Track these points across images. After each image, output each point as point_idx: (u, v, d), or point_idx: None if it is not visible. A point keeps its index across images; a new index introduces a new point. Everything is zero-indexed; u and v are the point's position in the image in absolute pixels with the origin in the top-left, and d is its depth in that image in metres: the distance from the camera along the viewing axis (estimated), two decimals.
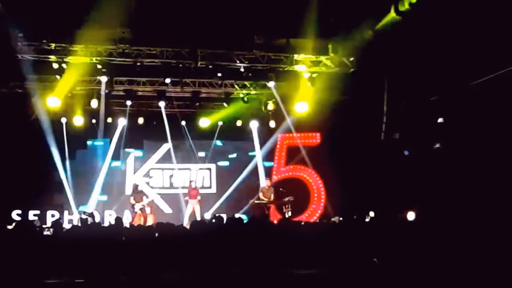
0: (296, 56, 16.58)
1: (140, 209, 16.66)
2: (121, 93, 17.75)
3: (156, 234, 8.43)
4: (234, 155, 20.29)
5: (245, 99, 18.37)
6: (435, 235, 7.99)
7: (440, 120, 15.36)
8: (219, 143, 20.27)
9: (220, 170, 20.09)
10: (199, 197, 17.67)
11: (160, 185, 19.49)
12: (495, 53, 12.25)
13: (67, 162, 18.34)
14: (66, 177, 18.07)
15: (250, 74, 16.68)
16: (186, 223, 15.61)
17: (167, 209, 18.99)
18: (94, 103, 17.17)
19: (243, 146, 20.25)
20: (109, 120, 18.52)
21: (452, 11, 12.42)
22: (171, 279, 6.47)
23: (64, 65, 15.53)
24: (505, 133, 12.67)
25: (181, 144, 19.75)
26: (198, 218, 16.28)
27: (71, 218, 17.29)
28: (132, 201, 16.82)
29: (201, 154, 20.03)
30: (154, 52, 15.93)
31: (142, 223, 15.74)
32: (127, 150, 19.25)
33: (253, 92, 18.54)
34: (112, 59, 15.68)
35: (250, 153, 20.03)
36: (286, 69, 16.88)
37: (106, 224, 15.60)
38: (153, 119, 18.98)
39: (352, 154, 17.54)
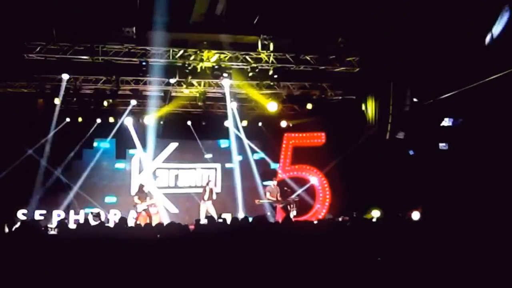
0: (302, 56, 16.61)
1: (144, 210, 16.68)
2: (127, 92, 17.76)
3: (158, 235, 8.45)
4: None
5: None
6: (440, 235, 7.98)
7: (445, 123, 15.36)
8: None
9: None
10: (213, 197, 17.64)
11: (165, 185, 19.50)
12: (500, 54, 12.22)
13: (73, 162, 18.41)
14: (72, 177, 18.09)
15: (256, 74, 16.63)
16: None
17: (173, 209, 18.98)
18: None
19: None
20: (111, 119, 18.53)
21: (456, 12, 12.40)
22: (175, 279, 6.47)
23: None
24: (510, 133, 12.65)
25: (188, 144, 19.75)
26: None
27: (77, 218, 17.30)
28: (137, 201, 16.85)
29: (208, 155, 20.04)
30: (160, 52, 15.98)
31: (148, 222, 15.73)
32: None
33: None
34: (118, 58, 15.71)
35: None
36: (292, 69, 16.85)
37: (111, 224, 15.60)
38: (159, 118, 18.93)
39: (357, 154, 17.54)
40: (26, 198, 16.70)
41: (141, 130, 18.86)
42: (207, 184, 17.92)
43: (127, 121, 18.65)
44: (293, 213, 16.87)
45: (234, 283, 6.43)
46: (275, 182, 18.06)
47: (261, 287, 6.46)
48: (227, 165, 20.03)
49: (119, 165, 19.23)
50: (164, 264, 6.75)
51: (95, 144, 18.90)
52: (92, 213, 16.14)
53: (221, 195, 19.49)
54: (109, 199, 18.55)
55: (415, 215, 13.61)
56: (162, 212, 17.81)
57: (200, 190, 18.10)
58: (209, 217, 11.56)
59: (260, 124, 19.89)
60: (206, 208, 17.36)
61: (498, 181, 12.72)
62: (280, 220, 13.52)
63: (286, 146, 19.88)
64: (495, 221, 8.53)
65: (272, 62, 16.50)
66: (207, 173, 19.79)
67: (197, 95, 18.31)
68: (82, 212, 17.57)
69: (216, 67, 16.22)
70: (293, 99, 18.74)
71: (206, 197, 17.48)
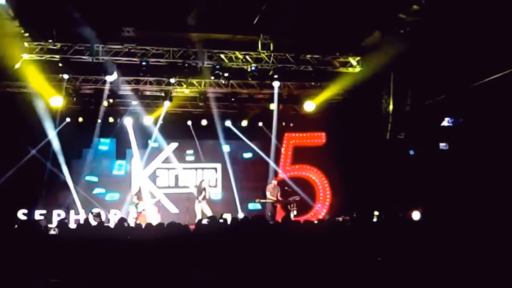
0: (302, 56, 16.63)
1: (144, 209, 16.66)
2: (127, 92, 17.75)
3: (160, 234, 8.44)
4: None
5: None
6: (440, 235, 7.98)
7: (445, 123, 15.37)
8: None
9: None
10: (207, 197, 17.63)
11: (166, 185, 19.49)
12: (500, 53, 12.22)
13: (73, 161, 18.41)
14: (73, 177, 18.07)
15: (256, 74, 16.65)
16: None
17: (173, 208, 18.96)
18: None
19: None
20: (111, 119, 18.51)
21: (457, 12, 12.40)
22: (175, 279, 6.47)
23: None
24: (510, 133, 12.65)
25: (188, 144, 19.74)
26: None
27: (77, 218, 17.29)
28: (136, 200, 16.83)
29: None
30: (160, 52, 16.00)
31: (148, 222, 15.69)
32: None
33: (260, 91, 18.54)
34: (118, 58, 15.72)
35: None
36: (292, 68, 16.86)
37: (112, 224, 15.59)
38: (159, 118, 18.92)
39: (357, 154, 17.55)
40: (26, 198, 16.71)
41: (141, 131, 18.88)
42: (201, 183, 17.91)
43: (127, 121, 18.66)
44: (293, 213, 16.85)
45: (234, 283, 6.42)
46: (275, 182, 18.05)
47: (261, 287, 6.45)
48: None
49: (118, 171, 19.28)
50: (164, 264, 6.75)
51: (94, 144, 18.90)
52: (92, 213, 16.13)
53: (220, 195, 19.56)
54: (111, 196, 18.59)
55: (415, 215, 13.62)
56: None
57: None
58: (211, 217, 11.55)
59: (260, 124, 19.87)
60: (201, 208, 17.33)
61: (498, 181, 12.72)
62: (280, 220, 13.51)
63: (286, 146, 19.87)
64: (495, 221, 8.53)
65: (272, 62, 16.51)
66: (207, 173, 19.80)
67: (197, 95, 18.32)
68: (82, 212, 17.55)
69: (216, 67, 16.25)
70: (293, 99, 18.74)
71: (201, 197, 17.45)
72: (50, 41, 14.95)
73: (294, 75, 17.51)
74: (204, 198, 17.44)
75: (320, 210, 19.14)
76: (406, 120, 16.50)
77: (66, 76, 16.20)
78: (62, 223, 12.35)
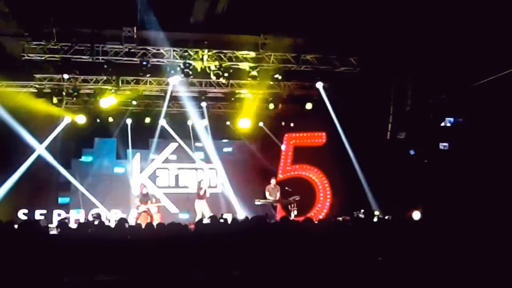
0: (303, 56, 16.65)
1: (144, 211, 16.62)
2: (127, 92, 17.75)
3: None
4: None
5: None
6: (440, 235, 7.98)
7: (445, 123, 15.38)
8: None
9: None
10: (207, 196, 17.59)
11: (166, 185, 19.47)
12: (500, 53, 12.22)
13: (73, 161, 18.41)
14: (73, 177, 18.06)
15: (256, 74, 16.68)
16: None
17: (173, 209, 18.95)
18: (103, 102, 17.25)
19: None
20: (110, 119, 18.47)
21: (457, 12, 12.40)
22: (174, 278, 6.47)
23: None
24: (510, 133, 12.65)
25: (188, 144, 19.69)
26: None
27: (78, 218, 17.27)
28: (137, 203, 16.79)
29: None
30: (160, 52, 15.99)
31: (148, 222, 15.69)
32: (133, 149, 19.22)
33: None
34: (118, 58, 15.72)
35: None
36: (292, 68, 16.87)
37: (112, 224, 15.58)
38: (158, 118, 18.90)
39: (357, 154, 17.55)
40: (27, 198, 16.73)
41: (141, 131, 18.86)
42: (199, 182, 17.88)
43: (127, 121, 18.65)
44: (293, 213, 16.83)
45: (234, 283, 6.43)
46: (274, 182, 18.01)
47: (261, 287, 6.46)
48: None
49: (118, 169, 19.25)
50: (164, 264, 6.75)
51: (94, 143, 18.90)
52: (92, 214, 16.12)
53: (220, 195, 19.52)
54: (111, 197, 18.57)
55: (416, 215, 13.61)
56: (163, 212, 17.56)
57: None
58: (211, 217, 11.56)
59: (260, 124, 19.85)
60: (201, 207, 17.29)
61: (498, 181, 12.72)
62: (279, 220, 13.51)
63: (286, 146, 19.86)
64: (496, 221, 8.53)
65: (273, 62, 16.51)
66: (207, 173, 19.77)
67: (197, 95, 18.33)
68: (82, 212, 17.54)
69: (217, 67, 16.25)
70: (293, 99, 18.74)
71: (201, 192, 17.40)
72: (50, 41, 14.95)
73: (294, 75, 17.51)
74: (204, 195, 17.38)
75: (320, 210, 19.12)
76: (406, 120, 16.50)
77: (66, 76, 16.22)
78: (63, 223, 12.34)
